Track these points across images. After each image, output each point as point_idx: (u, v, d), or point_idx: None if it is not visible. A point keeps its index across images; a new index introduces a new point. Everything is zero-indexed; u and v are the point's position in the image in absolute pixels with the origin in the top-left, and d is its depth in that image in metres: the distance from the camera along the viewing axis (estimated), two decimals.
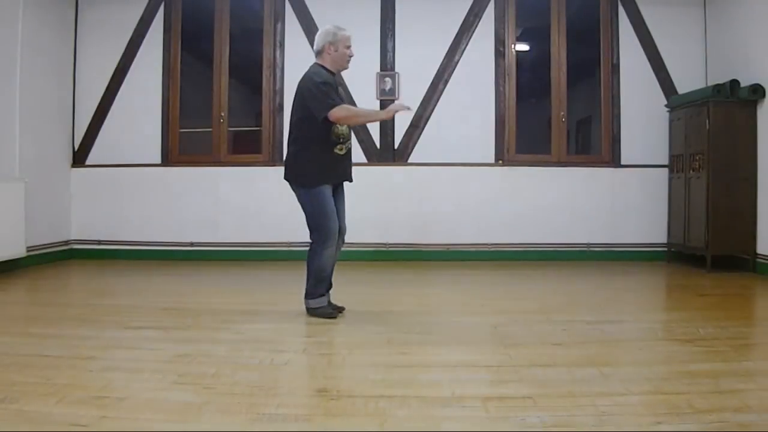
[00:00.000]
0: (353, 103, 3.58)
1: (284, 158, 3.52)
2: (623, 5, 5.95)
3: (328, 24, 3.50)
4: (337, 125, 3.36)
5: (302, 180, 3.40)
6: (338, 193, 3.54)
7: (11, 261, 5.02)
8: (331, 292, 3.59)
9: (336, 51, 3.41)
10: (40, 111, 5.54)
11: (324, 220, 3.37)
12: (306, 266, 3.46)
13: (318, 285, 3.45)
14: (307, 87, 3.34)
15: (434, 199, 5.92)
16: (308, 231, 3.45)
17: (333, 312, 3.50)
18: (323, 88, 3.29)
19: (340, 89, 3.54)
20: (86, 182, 6.07)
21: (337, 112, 3.27)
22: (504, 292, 4.51)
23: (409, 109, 3.57)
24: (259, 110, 6.22)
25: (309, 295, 3.48)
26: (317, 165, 3.37)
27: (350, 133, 3.52)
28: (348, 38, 3.43)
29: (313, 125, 3.33)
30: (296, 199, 3.49)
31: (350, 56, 3.47)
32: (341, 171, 3.48)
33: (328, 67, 3.43)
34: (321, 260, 3.40)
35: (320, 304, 3.47)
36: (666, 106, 5.88)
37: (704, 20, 5.94)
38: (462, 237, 5.93)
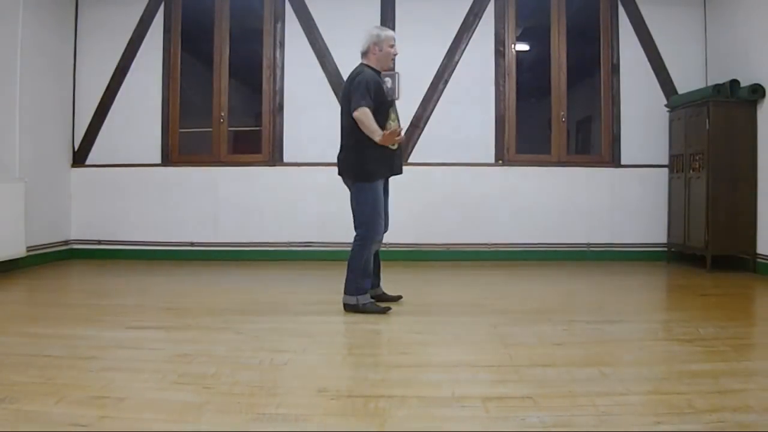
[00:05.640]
0: (385, 103, 3.66)
1: (338, 154, 3.65)
2: (623, 5, 5.95)
3: (372, 26, 3.75)
4: (389, 121, 3.56)
5: (362, 175, 3.53)
6: (385, 189, 3.69)
7: (11, 261, 5.02)
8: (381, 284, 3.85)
9: (381, 50, 3.61)
10: (40, 111, 5.54)
11: (375, 216, 3.54)
12: (348, 262, 3.56)
13: (363, 280, 3.56)
14: (354, 83, 3.49)
15: (434, 199, 5.92)
16: (357, 225, 3.57)
17: (383, 308, 3.58)
18: (361, 87, 3.46)
19: (385, 86, 3.69)
20: (86, 182, 6.07)
21: (356, 113, 3.43)
22: (504, 292, 4.51)
23: (400, 135, 3.61)
24: (259, 110, 6.21)
25: (355, 291, 3.55)
26: (375, 160, 3.52)
27: (400, 128, 3.66)
28: (392, 38, 3.64)
29: None
30: (349, 194, 3.63)
31: (395, 54, 3.70)
32: (395, 165, 3.65)
33: (374, 66, 3.62)
34: (368, 254, 3.55)
35: (367, 300, 3.58)
36: (666, 106, 5.88)
37: (704, 20, 5.94)
38: (462, 237, 5.93)
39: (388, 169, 3.61)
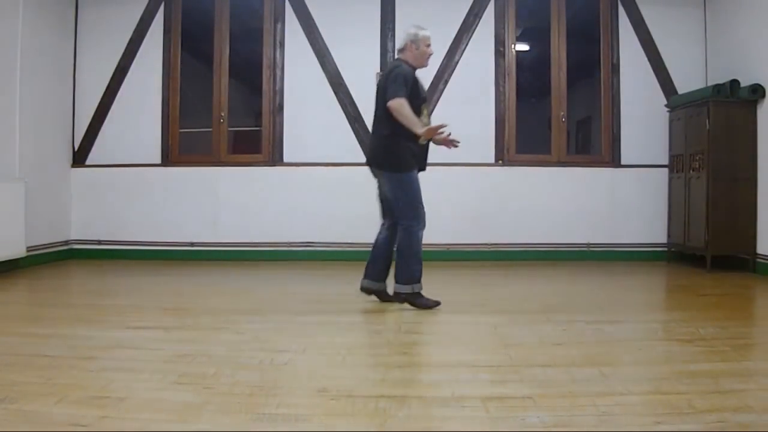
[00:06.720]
0: (419, 99, 3.70)
1: (369, 144, 3.70)
2: (623, 5, 5.96)
3: (411, 25, 3.77)
4: (421, 117, 3.57)
5: (397, 166, 3.55)
6: None
7: (11, 261, 5.02)
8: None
9: (417, 49, 3.66)
10: (40, 111, 5.54)
11: (418, 203, 3.58)
12: (400, 252, 3.59)
13: (418, 266, 3.58)
14: (392, 75, 3.52)
15: (434, 199, 5.84)
16: (400, 215, 3.59)
17: (435, 301, 3.62)
18: (399, 79, 3.49)
19: (421, 83, 3.70)
20: (86, 182, 6.07)
21: (393, 102, 3.44)
22: (504, 292, 4.51)
23: (441, 133, 3.62)
24: (259, 110, 6.22)
25: (409, 280, 3.56)
26: (409, 152, 3.55)
27: (430, 123, 3.69)
28: (428, 38, 3.69)
29: None
30: (381, 186, 3.66)
31: (430, 54, 3.72)
32: (423, 159, 3.69)
33: (410, 62, 3.67)
34: (416, 240, 3.57)
35: (421, 288, 3.61)
36: (666, 106, 5.88)
37: (704, 20, 5.94)
38: (462, 237, 5.93)
39: (418, 162, 3.64)
